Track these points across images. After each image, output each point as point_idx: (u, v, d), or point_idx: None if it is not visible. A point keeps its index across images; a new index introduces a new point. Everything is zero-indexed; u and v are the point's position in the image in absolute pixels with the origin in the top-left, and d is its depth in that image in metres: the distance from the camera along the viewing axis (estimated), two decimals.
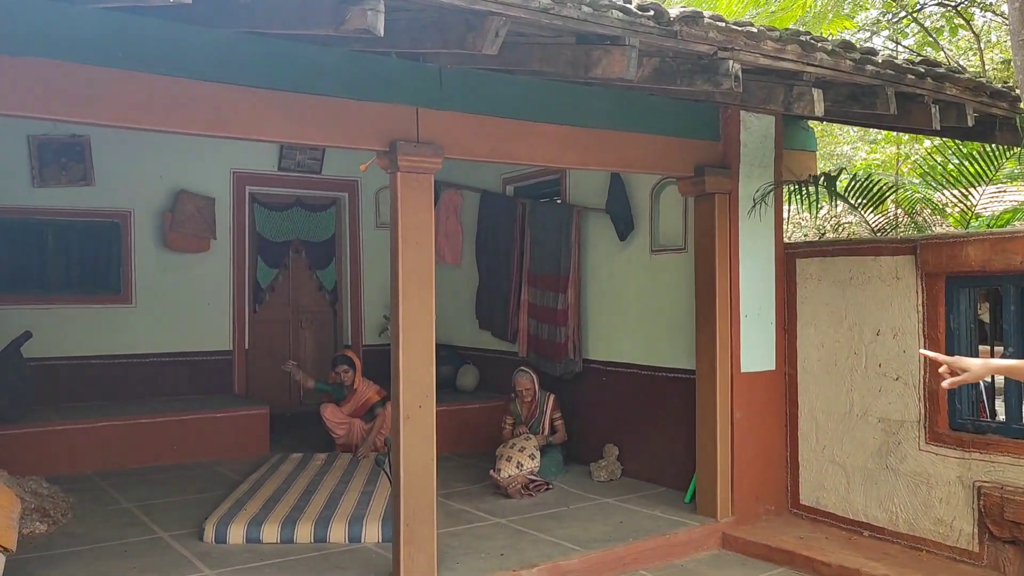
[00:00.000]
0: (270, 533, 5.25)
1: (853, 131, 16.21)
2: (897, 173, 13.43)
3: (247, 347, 8.95)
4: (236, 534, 5.23)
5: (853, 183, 5.62)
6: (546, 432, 7.03)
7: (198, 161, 8.57)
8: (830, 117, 5.29)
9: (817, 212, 5.94)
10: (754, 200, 5.75)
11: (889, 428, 5.38)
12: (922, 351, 2.89)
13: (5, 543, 4.24)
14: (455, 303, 9.05)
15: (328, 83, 4.29)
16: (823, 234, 10.44)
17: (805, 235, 10.58)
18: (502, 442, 6.89)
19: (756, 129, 5.89)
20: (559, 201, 7.84)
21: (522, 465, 6.38)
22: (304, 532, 5.26)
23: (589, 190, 7.38)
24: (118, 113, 3.82)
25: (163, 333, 8.45)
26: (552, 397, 7.08)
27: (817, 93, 4.14)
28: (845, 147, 17.45)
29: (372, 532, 5.29)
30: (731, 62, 3.78)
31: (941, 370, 2.79)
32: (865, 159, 16.08)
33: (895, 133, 13.78)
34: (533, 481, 6.41)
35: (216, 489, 6.53)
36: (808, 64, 4.06)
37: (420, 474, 4.57)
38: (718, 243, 5.73)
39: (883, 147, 15.02)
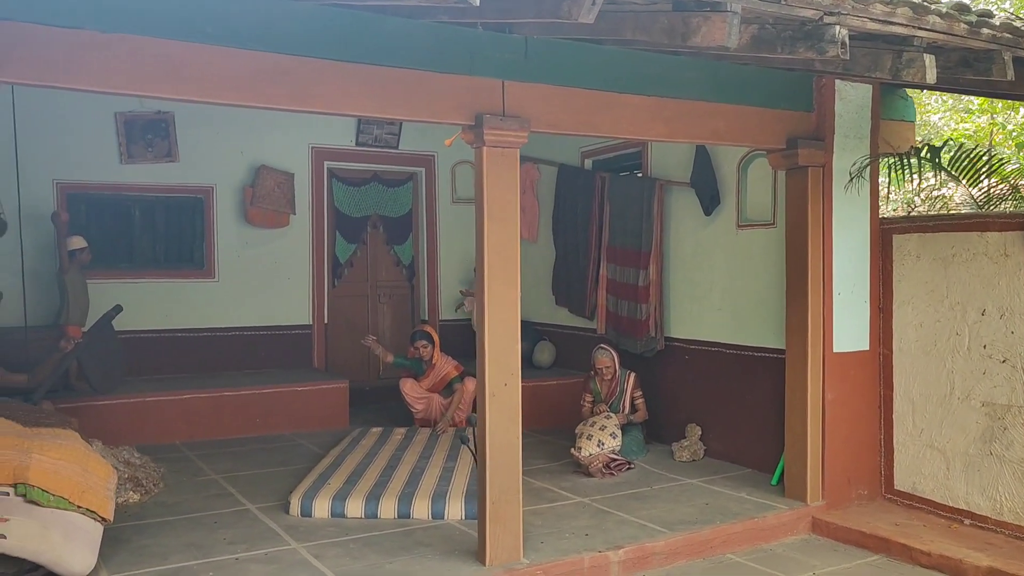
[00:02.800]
0: (354, 508, 5.27)
1: (948, 99, 15.48)
2: (991, 144, 12.80)
3: (326, 322, 9.04)
4: (321, 508, 5.28)
5: (959, 154, 5.32)
6: (626, 411, 6.91)
7: (278, 136, 8.64)
8: (938, 85, 5.00)
9: (920, 186, 5.64)
10: (851, 174, 5.50)
11: (994, 412, 5.12)
12: None
13: (104, 513, 4.34)
14: (532, 279, 8.97)
15: (413, 56, 4.21)
16: (912, 208, 10.00)
17: (894, 210, 10.16)
18: (581, 420, 6.81)
19: (852, 99, 5.62)
20: (640, 175, 7.66)
21: (603, 444, 6.28)
22: (388, 508, 5.28)
23: (672, 163, 7.18)
24: (206, 89, 3.80)
25: (244, 307, 8.58)
26: (633, 375, 6.95)
27: (929, 59, 3.89)
28: (933, 116, 16.69)
29: (455, 509, 5.27)
30: (837, 27, 3.56)
31: None
32: (955, 129, 15.35)
33: (991, 102, 13.11)
34: (614, 460, 6.32)
35: (299, 462, 6.62)
36: (919, 28, 3.81)
37: (505, 452, 4.52)
38: (811, 218, 5.49)
39: (977, 117, 14.32)
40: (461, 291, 9.31)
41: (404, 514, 5.27)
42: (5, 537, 3.91)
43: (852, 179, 5.48)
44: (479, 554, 4.54)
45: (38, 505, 4.06)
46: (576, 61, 4.65)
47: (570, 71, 4.64)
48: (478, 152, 4.47)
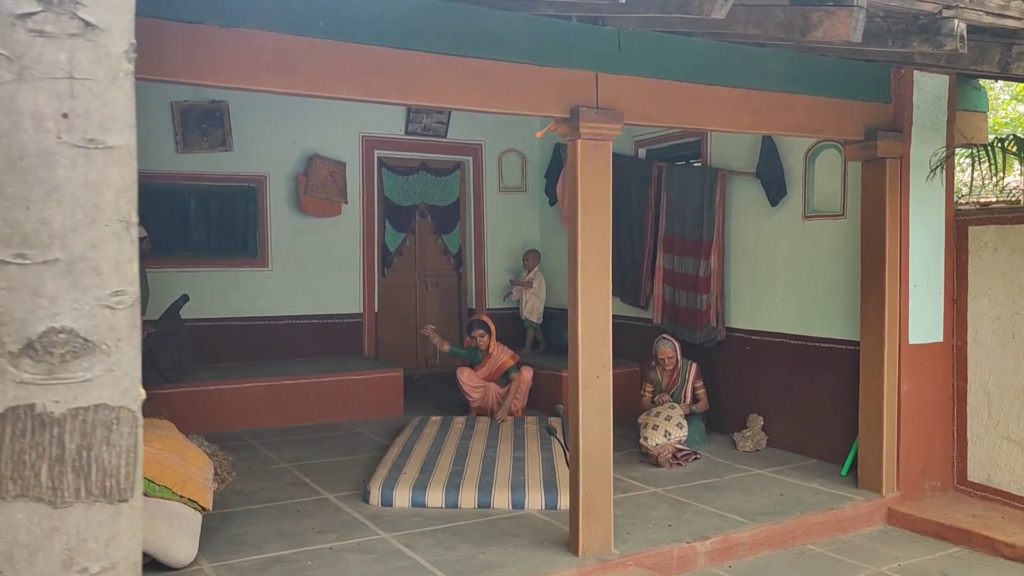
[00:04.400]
0: (434, 498, 5.31)
1: None
2: None
3: (376, 310, 9.06)
4: (402, 498, 5.31)
5: None
6: (688, 400, 6.93)
7: (329, 126, 8.64)
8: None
9: (1002, 177, 5.63)
10: (931, 166, 5.49)
11: None
12: None
13: (203, 503, 4.39)
14: None
15: (513, 49, 4.21)
16: (960, 198, 9.97)
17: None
18: (641, 410, 6.83)
19: (929, 90, 5.60)
20: (698, 164, 7.64)
21: (670, 434, 6.31)
22: (468, 498, 5.31)
23: (732, 153, 7.17)
24: (317, 82, 3.82)
25: (297, 296, 8.61)
26: (695, 365, 6.96)
27: None
28: None
29: (535, 500, 5.30)
30: (956, 21, 3.55)
31: None
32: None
33: None
34: (681, 450, 6.34)
35: (364, 451, 6.67)
36: None
37: (597, 444, 4.55)
38: (888, 210, 5.49)
39: (1013, 106, 14.22)
40: (511, 280, 9.32)
41: (484, 504, 5.30)
42: None
43: (933, 171, 5.46)
44: (571, 544, 4.57)
45: (145, 495, 4.10)
46: (667, 53, 4.65)
47: (661, 63, 4.64)
48: (572, 145, 4.48)
